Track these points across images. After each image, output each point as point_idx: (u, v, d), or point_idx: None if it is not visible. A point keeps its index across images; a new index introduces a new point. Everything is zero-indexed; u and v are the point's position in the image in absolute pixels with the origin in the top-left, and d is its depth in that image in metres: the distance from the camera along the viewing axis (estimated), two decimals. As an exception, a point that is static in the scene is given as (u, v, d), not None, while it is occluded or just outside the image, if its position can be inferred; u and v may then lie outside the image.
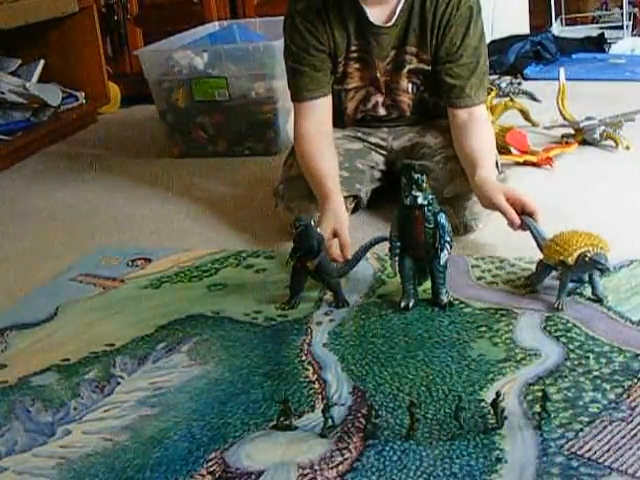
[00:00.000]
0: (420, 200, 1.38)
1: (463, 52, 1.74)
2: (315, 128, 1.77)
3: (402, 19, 1.73)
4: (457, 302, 1.45)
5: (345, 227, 1.61)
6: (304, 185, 1.77)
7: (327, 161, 1.74)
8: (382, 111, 1.89)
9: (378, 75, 1.81)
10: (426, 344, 1.33)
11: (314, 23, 1.73)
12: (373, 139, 1.94)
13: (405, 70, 1.80)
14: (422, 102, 1.87)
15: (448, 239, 1.41)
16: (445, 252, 1.41)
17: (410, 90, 1.84)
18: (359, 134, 1.94)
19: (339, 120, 1.89)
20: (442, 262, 1.42)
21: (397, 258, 1.44)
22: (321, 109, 1.78)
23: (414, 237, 1.42)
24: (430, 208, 1.40)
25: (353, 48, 1.77)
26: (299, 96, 1.79)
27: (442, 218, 1.41)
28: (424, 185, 1.38)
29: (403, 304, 1.45)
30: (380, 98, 1.87)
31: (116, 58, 3.54)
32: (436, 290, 1.45)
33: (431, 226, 1.40)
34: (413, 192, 1.38)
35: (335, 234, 1.58)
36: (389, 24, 1.73)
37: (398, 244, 1.44)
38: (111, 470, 1.09)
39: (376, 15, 1.73)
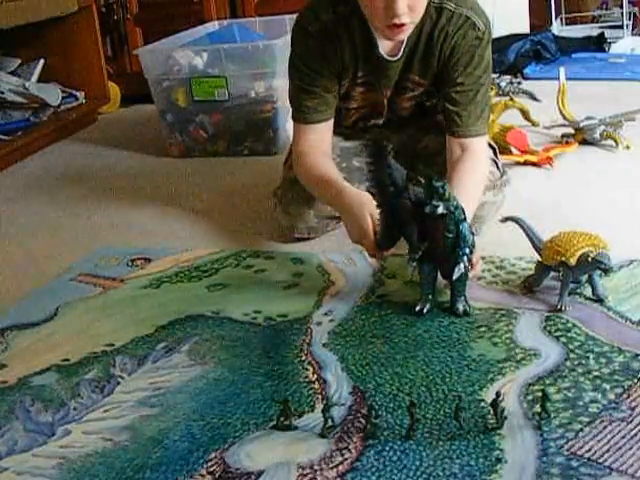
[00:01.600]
0: (440, 210, 1.33)
1: (464, 79, 1.66)
2: (315, 147, 1.73)
3: (408, 49, 1.67)
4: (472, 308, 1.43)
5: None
6: (302, 189, 1.76)
7: (330, 168, 1.70)
8: (381, 122, 1.88)
9: (384, 101, 1.79)
10: (426, 344, 1.33)
11: (327, 46, 1.67)
12: (370, 135, 1.91)
13: (408, 95, 1.78)
14: (422, 106, 1.85)
15: (467, 251, 1.36)
16: (461, 265, 1.36)
17: (412, 106, 1.83)
18: (357, 131, 1.92)
19: (336, 127, 1.86)
20: (455, 277, 1.37)
21: (415, 263, 1.40)
22: (324, 131, 1.74)
23: (433, 246, 1.38)
24: (452, 216, 1.35)
25: (360, 74, 1.73)
26: (306, 118, 1.72)
27: (465, 228, 1.36)
28: (446, 194, 1.33)
29: (418, 307, 1.42)
30: (381, 120, 1.86)
31: (116, 58, 3.54)
32: (453, 297, 1.42)
33: (451, 235, 1.35)
34: (433, 201, 1.33)
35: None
36: (397, 57, 1.68)
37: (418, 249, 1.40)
38: (111, 470, 1.09)
39: (385, 47, 1.68)
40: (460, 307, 1.42)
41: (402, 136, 1.91)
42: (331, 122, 1.75)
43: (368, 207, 1.50)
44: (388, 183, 1.41)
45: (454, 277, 1.38)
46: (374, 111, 1.83)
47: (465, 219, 1.37)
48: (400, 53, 1.67)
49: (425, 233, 1.39)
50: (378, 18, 1.54)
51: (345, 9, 1.65)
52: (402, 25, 1.52)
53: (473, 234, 1.38)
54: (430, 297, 1.43)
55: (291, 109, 1.78)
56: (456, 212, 1.35)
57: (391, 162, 1.42)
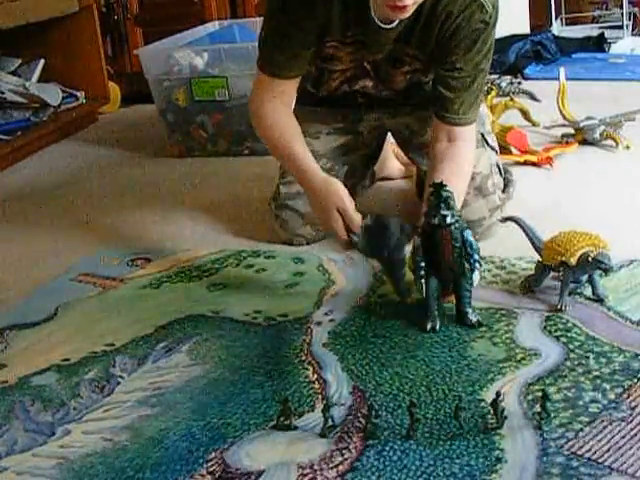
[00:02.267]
0: (449, 219, 1.31)
1: (463, 65, 1.55)
2: (276, 98, 1.62)
3: (405, 20, 1.52)
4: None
5: (348, 202, 1.47)
6: (297, 205, 1.75)
7: (293, 131, 1.61)
8: (371, 89, 1.75)
9: (367, 65, 1.68)
10: (426, 344, 1.33)
11: (314, 1, 1.52)
12: (364, 125, 1.84)
13: (403, 69, 1.68)
14: (418, 84, 1.75)
15: (477, 257, 1.34)
16: (477, 273, 1.34)
17: (407, 80, 1.72)
18: (349, 123, 1.83)
19: (317, 93, 1.78)
20: (475, 284, 1.35)
21: (423, 280, 1.37)
22: (290, 85, 1.63)
23: (441, 257, 1.35)
24: (457, 225, 1.33)
25: (349, 34, 1.58)
26: (275, 72, 1.60)
27: (469, 235, 1.34)
28: (452, 203, 1.32)
29: (429, 326, 1.37)
30: (369, 82, 1.73)
31: (116, 58, 3.54)
32: (463, 309, 1.38)
33: (458, 244, 1.34)
34: (442, 211, 1.31)
35: (339, 212, 1.47)
36: (391, 25, 1.55)
37: (423, 264, 1.36)
38: (111, 470, 1.09)
39: (380, 11, 1.51)
40: (472, 318, 1.37)
41: (399, 124, 1.84)
42: (299, 78, 1.64)
43: (334, 200, 1.47)
44: (385, 252, 1.42)
45: (474, 284, 1.35)
46: (361, 72, 1.71)
47: (468, 226, 1.36)
48: (394, 23, 1.54)
49: (430, 247, 1.36)
50: None
51: None
52: (404, 6, 1.39)
53: (477, 240, 1.36)
54: (437, 313, 1.38)
55: (258, 53, 1.65)
56: (460, 220, 1.34)
57: (385, 232, 1.41)
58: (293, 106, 1.68)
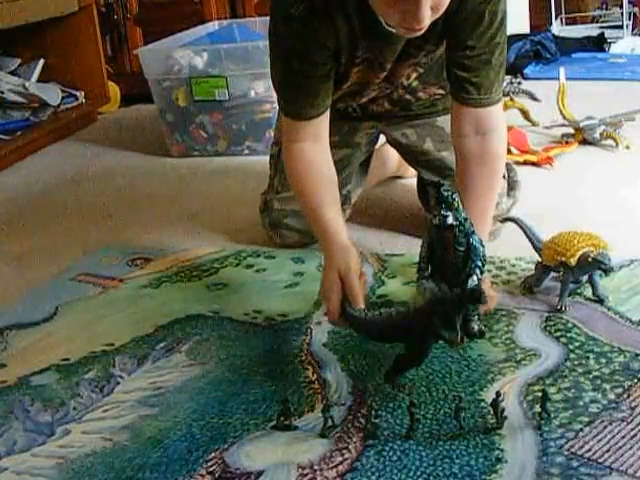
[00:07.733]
0: (450, 220, 1.24)
1: (475, 42, 1.44)
2: (312, 143, 1.49)
3: None
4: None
5: (353, 274, 1.33)
6: (293, 222, 1.74)
7: (325, 187, 1.47)
8: (365, 100, 1.71)
9: (383, 74, 1.61)
10: (426, 344, 1.33)
11: (317, 29, 1.41)
12: (360, 136, 1.80)
13: (410, 62, 1.60)
14: (414, 93, 1.72)
15: (479, 264, 1.27)
16: (474, 278, 1.26)
17: (410, 73, 1.66)
18: (345, 135, 1.77)
19: None
20: (468, 287, 1.26)
21: (425, 281, 1.31)
22: (320, 122, 1.49)
23: (443, 260, 1.29)
24: (462, 228, 1.26)
25: (359, 53, 1.51)
26: (300, 114, 1.47)
27: (475, 240, 1.27)
28: (455, 203, 1.24)
29: None
30: (373, 93, 1.69)
31: (116, 57, 3.54)
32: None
33: (462, 249, 1.27)
34: (442, 211, 1.24)
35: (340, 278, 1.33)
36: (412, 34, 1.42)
37: (426, 267, 1.31)
38: (110, 470, 1.09)
39: None
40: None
41: (396, 132, 1.80)
42: (328, 111, 1.50)
43: (339, 262, 1.35)
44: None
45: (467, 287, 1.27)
46: (364, 88, 1.64)
47: (474, 231, 1.29)
48: None
49: (434, 250, 1.31)
50: (393, 21, 1.31)
51: None
52: (422, 27, 1.29)
53: (484, 246, 1.29)
54: None
55: (277, 97, 1.53)
56: (465, 224, 1.27)
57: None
58: (328, 141, 1.52)
